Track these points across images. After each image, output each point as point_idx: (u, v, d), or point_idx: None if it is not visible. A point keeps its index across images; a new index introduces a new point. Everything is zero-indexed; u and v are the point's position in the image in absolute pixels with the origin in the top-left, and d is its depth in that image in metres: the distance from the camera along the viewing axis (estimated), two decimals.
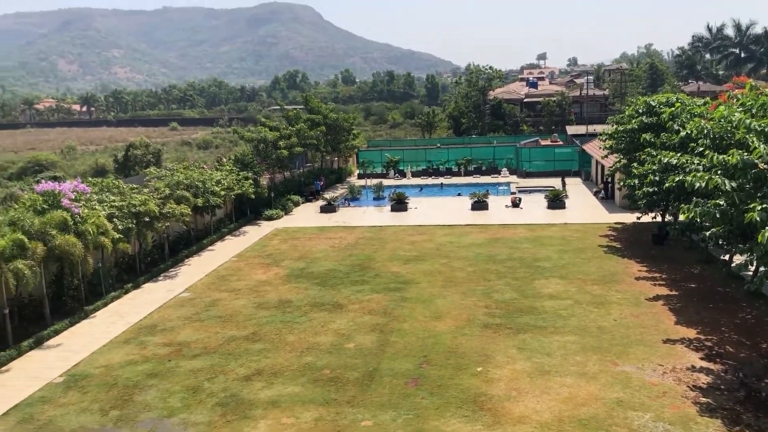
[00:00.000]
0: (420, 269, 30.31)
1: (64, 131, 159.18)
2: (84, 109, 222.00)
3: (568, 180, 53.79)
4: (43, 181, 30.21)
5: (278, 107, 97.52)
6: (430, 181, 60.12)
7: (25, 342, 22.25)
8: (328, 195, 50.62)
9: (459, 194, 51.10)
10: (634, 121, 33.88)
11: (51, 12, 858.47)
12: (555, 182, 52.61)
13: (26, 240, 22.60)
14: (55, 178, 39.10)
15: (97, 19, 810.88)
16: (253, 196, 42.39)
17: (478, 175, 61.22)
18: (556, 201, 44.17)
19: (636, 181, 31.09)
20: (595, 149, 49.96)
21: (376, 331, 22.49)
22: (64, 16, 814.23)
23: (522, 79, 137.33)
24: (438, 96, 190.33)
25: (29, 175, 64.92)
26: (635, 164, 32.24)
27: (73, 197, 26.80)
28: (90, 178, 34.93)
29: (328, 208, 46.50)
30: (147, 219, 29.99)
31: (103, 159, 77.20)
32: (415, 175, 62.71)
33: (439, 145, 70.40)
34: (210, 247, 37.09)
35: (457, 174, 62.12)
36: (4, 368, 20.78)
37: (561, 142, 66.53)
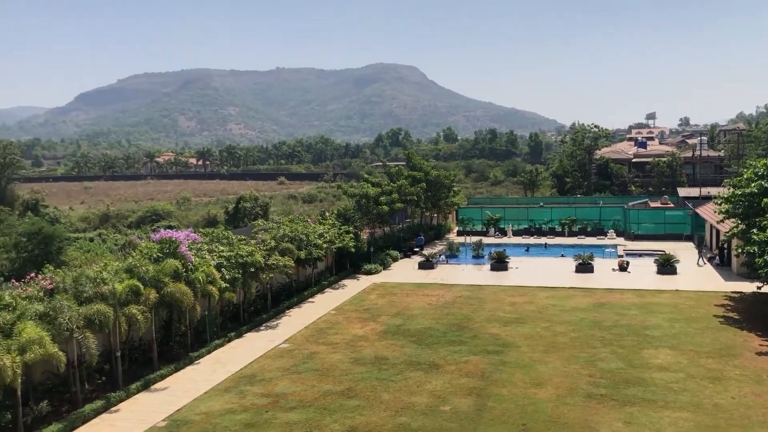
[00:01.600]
0: (520, 332, 29.43)
1: (181, 183, 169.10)
2: (200, 162, 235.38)
3: (678, 245, 51.16)
4: (161, 230, 32.00)
5: (381, 164, 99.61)
6: (532, 240, 58.89)
7: (134, 385, 23.23)
8: (426, 251, 50.61)
9: (562, 255, 49.70)
10: (753, 184, 31.99)
11: (174, 72, 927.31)
12: (665, 246, 50.17)
13: (141, 286, 23.85)
14: (170, 227, 41.39)
15: (216, 78, 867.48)
16: (353, 250, 43.00)
17: (582, 236, 59.44)
18: (666, 266, 41.99)
19: (756, 248, 29.14)
20: (709, 213, 47.41)
21: (473, 395, 21.88)
22: (186, 76, 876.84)
23: (630, 139, 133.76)
24: (541, 154, 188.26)
25: (147, 223, 69.07)
26: (755, 230, 30.27)
27: (187, 246, 28.15)
28: (201, 229, 36.70)
29: (427, 264, 46.39)
30: (253, 269, 30.98)
31: (215, 210, 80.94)
32: (516, 234, 61.68)
33: (542, 204, 69.20)
34: (310, 299, 37.72)
35: (561, 234, 60.59)
36: (114, 408, 21.71)
37: (672, 205, 63.72)
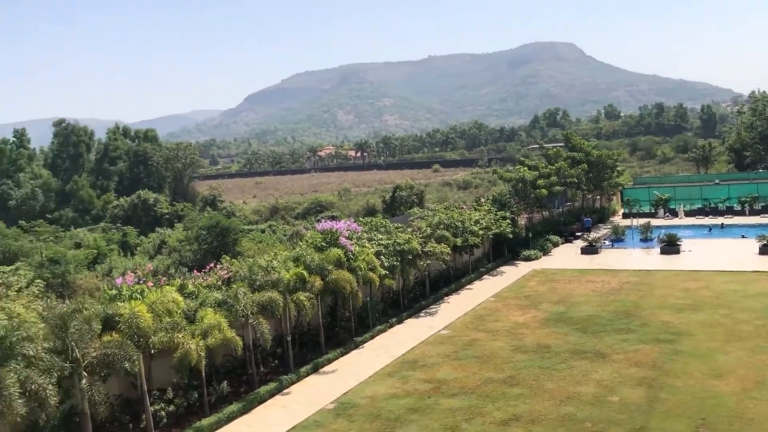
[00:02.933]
0: (695, 320, 27.37)
1: (342, 174, 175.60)
2: (358, 154, 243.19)
3: None
4: (323, 220, 33.44)
5: (537, 146, 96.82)
6: (706, 221, 54.45)
7: (304, 368, 24.52)
8: (589, 236, 48.53)
9: (743, 236, 45.47)
10: None
11: (332, 69, 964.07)
12: None
13: (307, 274, 25.10)
14: (332, 218, 43.12)
15: (370, 72, 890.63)
16: (510, 236, 42.26)
17: (766, 215, 53.96)
18: None
19: None
20: None
21: (643, 386, 20.68)
22: (343, 72, 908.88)
23: None
24: (715, 127, 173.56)
25: (312, 214, 72.45)
26: None
27: (347, 236, 29.19)
28: (361, 218, 37.86)
29: (590, 249, 44.49)
30: (410, 257, 31.49)
31: (373, 200, 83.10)
32: (688, 214, 57.36)
33: (717, 181, 63.64)
34: (468, 286, 37.63)
35: (741, 213, 55.48)
36: (286, 391, 23.07)
37: None
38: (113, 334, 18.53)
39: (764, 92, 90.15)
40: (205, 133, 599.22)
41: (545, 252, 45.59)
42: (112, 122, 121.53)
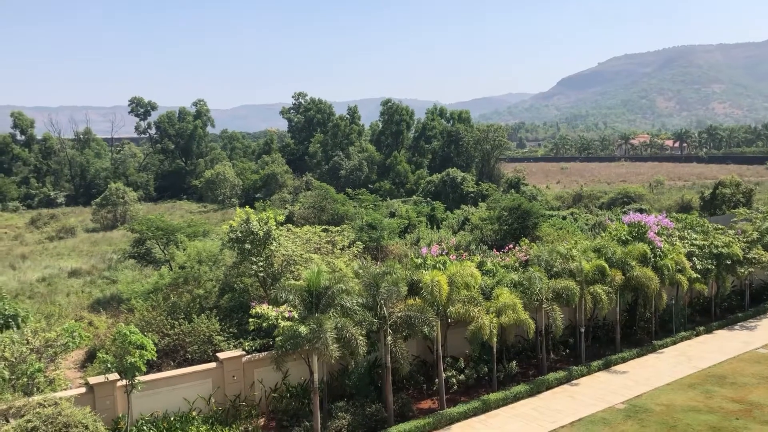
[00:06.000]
0: None
1: (655, 166, 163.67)
2: (676, 144, 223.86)
3: None
4: (630, 212, 31.74)
5: None
6: None
7: (595, 362, 23.77)
8: None
9: None
10: None
11: (655, 52, 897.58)
12: None
13: (607, 267, 24.16)
14: (640, 211, 40.70)
15: (700, 55, 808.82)
16: None
17: None
18: None
19: None
20: None
21: None
22: (668, 55, 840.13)
23: None
24: None
25: (617, 205, 69.02)
26: None
27: (657, 231, 27.32)
28: (674, 214, 35.04)
29: None
30: (729, 262, 28.35)
31: (689, 195, 76.23)
32: None
33: None
34: None
35: None
36: (574, 381, 22.66)
37: None
38: (416, 299, 20.09)
39: None
40: (515, 116, 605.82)
41: None
42: (431, 103, 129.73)
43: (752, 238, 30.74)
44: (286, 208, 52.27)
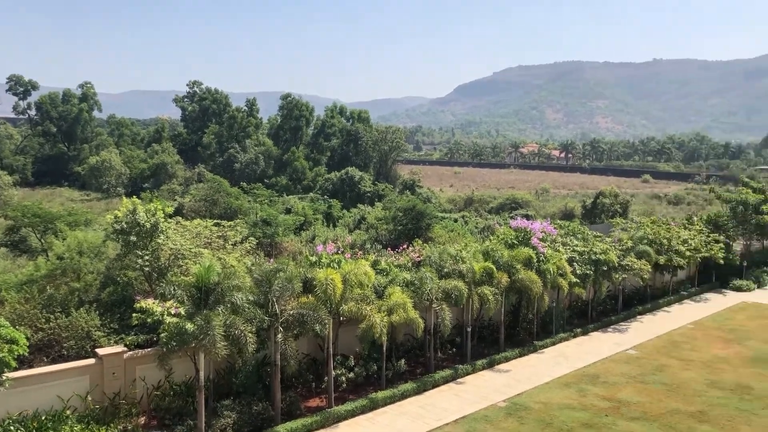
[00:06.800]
0: None
1: (542, 174, 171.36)
2: (562, 155, 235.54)
3: None
4: (518, 218, 33.04)
5: (767, 167, 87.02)
6: None
7: (480, 361, 24.58)
8: None
9: None
10: None
11: (547, 65, 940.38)
12: None
13: (494, 269, 25.03)
14: (527, 217, 42.44)
15: (587, 71, 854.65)
16: (721, 262, 38.66)
17: None
18: None
19: None
20: None
21: None
22: (559, 69, 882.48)
23: None
24: None
25: (505, 210, 71.71)
26: None
27: (541, 237, 28.60)
28: (558, 221, 36.83)
29: None
30: (605, 268, 30.11)
31: (572, 204, 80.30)
32: None
33: None
34: (665, 308, 35.15)
35: None
36: (460, 380, 23.33)
37: None
38: (309, 297, 19.98)
39: None
40: (413, 120, 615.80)
41: (760, 285, 41.13)
42: (331, 101, 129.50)
43: (627, 246, 32.81)
44: (175, 200, 50.50)
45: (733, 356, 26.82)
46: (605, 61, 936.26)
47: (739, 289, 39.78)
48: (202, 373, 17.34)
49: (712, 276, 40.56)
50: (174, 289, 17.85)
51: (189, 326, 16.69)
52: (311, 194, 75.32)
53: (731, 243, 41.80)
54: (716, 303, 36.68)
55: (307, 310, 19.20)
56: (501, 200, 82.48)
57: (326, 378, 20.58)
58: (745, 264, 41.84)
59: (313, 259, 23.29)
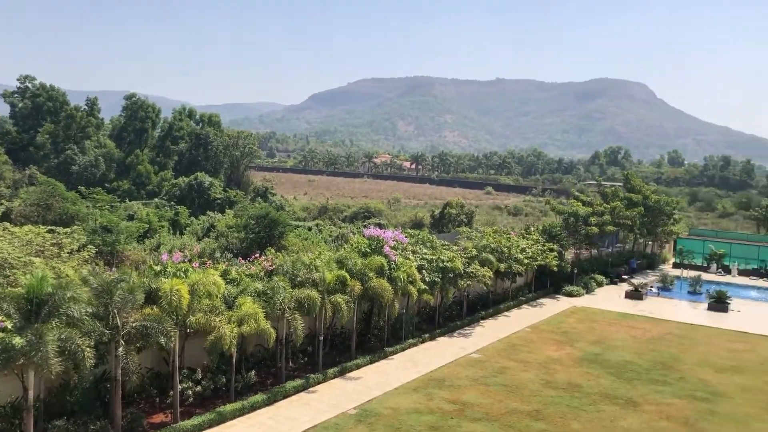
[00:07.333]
0: (736, 382, 26.47)
1: (394, 184, 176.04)
2: (413, 166, 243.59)
3: None
4: (371, 226, 33.58)
5: (595, 182, 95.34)
6: (761, 283, 52.64)
7: (331, 369, 24.65)
8: (636, 280, 47.40)
9: None
10: None
11: (400, 78, 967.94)
12: None
13: (348, 277, 25.24)
14: (379, 225, 43.25)
15: (437, 86, 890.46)
16: (555, 269, 41.68)
17: None
18: None
19: None
20: None
21: None
22: (410, 83, 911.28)
23: None
24: None
25: (359, 219, 72.78)
26: None
27: (393, 245, 29.27)
28: (408, 230, 37.88)
29: (635, 294, 43.48)
30: (452, 275, 31.36)
31: (422, 213, 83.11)
32: (742, 273, 55.51)
33: None
34: (506, 313, 37.26)
35: None
36: (312, 389, 23.24)
37: None
38: (154, 308, 19.00)
39: None
40: (267, 126, 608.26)
41: (588, 290, 44.80)
42: (179, 103, 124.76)
43: (472, 254, 34.42)
44: (2, 204, 46.16)
45: (564, 357, 28.94)
46: (453, 78, 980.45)
47: (570, 294, 43.06)
48: (31, 392, 15.92)
49: (546, 282, 43.55)
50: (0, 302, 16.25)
51: (17, 341, 15.26)
52: (156, 200, 71.98)
53: (564, 251, 45.16)
54: (551, 307, 39.44)
55: (151, 323, 18.25)
56: (355, 209, 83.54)
57: (171, 392, 19.66)
58: (575, 271, 45.39)
59: (158, 268, 22.20)
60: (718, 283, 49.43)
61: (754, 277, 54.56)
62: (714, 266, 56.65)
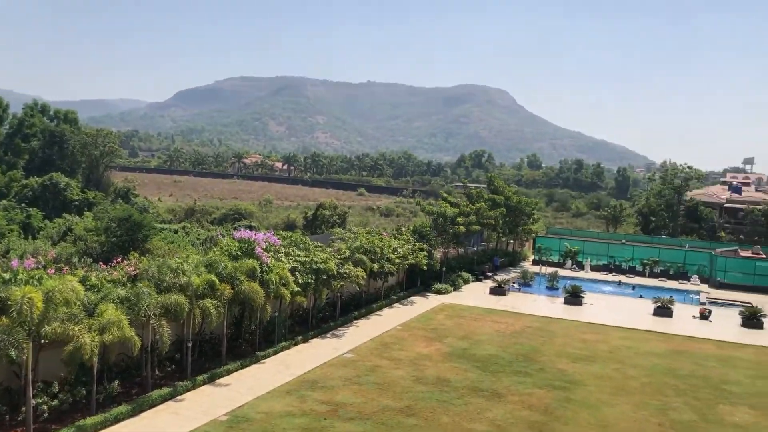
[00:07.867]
0: (589, 371, 28.51)
1: (265, 185, 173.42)
2: (285, 167, 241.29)
3: (767, 300, 48.35)
4: (241, 228, 32.90)
5: (461, 184, 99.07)
6: (610, 277, 57.10)
7: (201, 376, 23.90)
8: (499, 277, 49.85)
9: (641, 296, 47.88)
10: None
11: (270, 78, 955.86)
12: (752, 298, 47.55)
13: (217, 281, 24.59)
14: (250, 227, 42.49)
15: (308, 87, 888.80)
16: (425, 268, 42.89)
17: (664, 279, 57.08)
18: (752, 319, 39.78)
19: None
20: None
21: (534, 429, 21.34)
22: (281, 83, 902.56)
23: (724, 183, 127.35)
24: (628, 190, 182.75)
25: (229, 221, 71.16)
26: None
27: (265, 247, 28.85)
28: (281, 231, 37.51)
29: (498, 290, 45.69)
30: (325, 276, 31.41)
31: (294, 215, 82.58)
32: (594, 269, 59.92)
33: (624, 241, 66.95)
34: (378, 312, 37.84)
35: (641, 274, 58.44)
36: (180, 397, 22.41)
37: (764, 256, 60.36)
38: (3, 319, 17.56)
39: (674, 163, 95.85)
40: (129, 124, 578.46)
41: (456, 287, 46.49)
42: (30, 98, 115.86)
43: (345, 255, 34.67)
44: None
45: (434, 353, 29.85)
46: (324, 79, 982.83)
47: (439, 292, 44.48)
48: None
49: (417, 281, 44.73)
50: None
51: None
52: (5, 202, 66.45)
53: (433, 250, 46.58)
54: (421, 305, 40.54)
55: (1, 334, 16.85)
56: (224, 211, 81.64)
57: (24, 408, 18.23)
58: (444, 269, 46.96)
59: (8, 276, 20.50)
60: (573, 278, 53.07)
61: (605, 272, 59.02)
62: (569, 263, 60.74)
